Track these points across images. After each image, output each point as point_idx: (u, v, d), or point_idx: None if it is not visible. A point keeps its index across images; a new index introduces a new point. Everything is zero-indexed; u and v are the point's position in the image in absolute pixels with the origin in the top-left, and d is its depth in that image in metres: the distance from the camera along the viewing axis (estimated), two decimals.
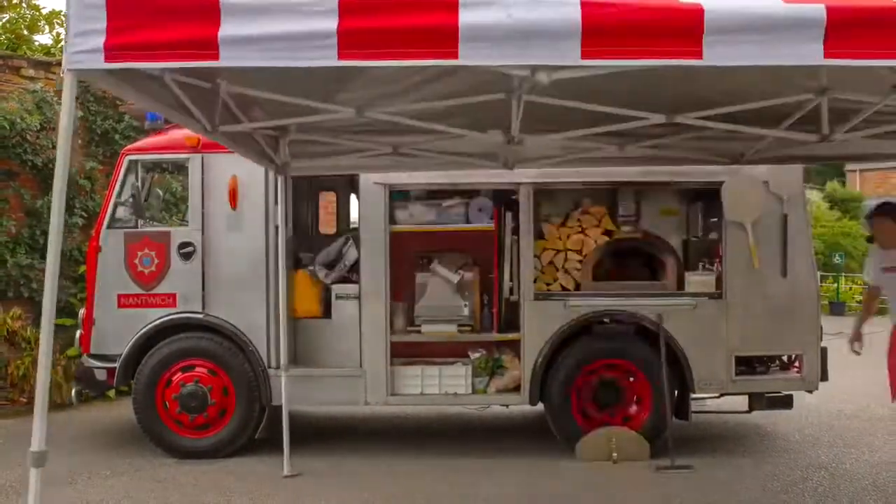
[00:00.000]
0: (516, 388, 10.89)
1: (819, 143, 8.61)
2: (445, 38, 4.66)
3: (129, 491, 9.40)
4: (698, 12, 4.64)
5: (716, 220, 10.94)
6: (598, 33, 4.65)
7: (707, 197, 11.13)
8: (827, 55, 4.68)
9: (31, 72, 15.90)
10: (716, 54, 4.67)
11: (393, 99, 7.99)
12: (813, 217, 36.11)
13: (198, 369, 10.89)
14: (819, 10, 4.63)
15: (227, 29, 4.73)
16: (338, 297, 11.28)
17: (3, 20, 20.17)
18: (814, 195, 44.67)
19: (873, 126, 8.45)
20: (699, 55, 4.68)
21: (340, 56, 4.73)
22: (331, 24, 4.66)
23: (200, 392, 10.72)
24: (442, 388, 10.92)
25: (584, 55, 4.67)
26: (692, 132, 9.02)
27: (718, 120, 8.26)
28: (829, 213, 45.50)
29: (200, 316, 11.02)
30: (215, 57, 4.80)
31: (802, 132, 8.45)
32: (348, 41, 4.69)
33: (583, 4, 4.63)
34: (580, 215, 11.21)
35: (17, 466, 10.22)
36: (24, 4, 20.25)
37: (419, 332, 11.10)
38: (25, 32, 19.89)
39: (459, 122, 8.64)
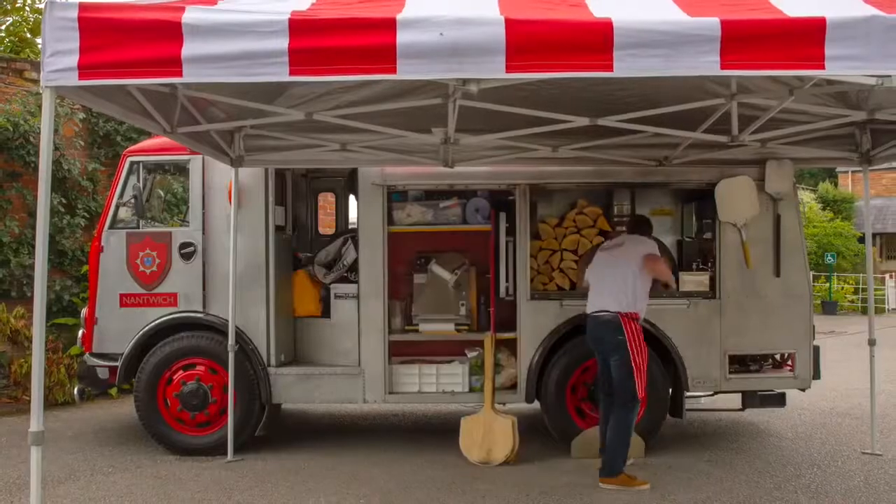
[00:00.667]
0: (512, 387, 10.89)
1: (737, 147, 9.63)
2: (385, 56, 5.15)
3: (131, 487, 9.39)
4: (609, 30, 5.09)
5: (709, 220, 10.93)
6: (520, 49, 5.13)
7: (701, 198, 11.17)
8: (723, 66, 5.16)
9: (35, 74, 15.87)
10: (625, 67, 5.16)
11: (337, 95, 8.91)
12: (805, 218, 36.19)
13: (198, 368, 10.86)
14: (714, 25, 5.09)
15: (189, 48, 5.22)
16: (337, 297, 11.29)
17: (7, 23, 20.21)
18: (806, 196, 44.75)
19: (780, 128, 9.33)
20: (610, 68, 5.16)
21: (291, 72, 5.24)
22: (282, 43, 5.15)
23: (201, 390, 10.72)
24: (439, 386, 10.91)
25: (509, 69, 5.17)
26: (619, 135, 9.58)
27: (640, 123, 8.89)
28: (821, 214, 45.55)
29: (201, 315, 11.01)
30: (179, 74, 5.29)
31: (718, 135, 9.12)
32: (298, 58, 5.19)
33: (507, 23, 5.09)
34: (576, 216, 11.20)
35: (22, 464, 10.24)
36: (27, 8, 20.29)
37: (417, 331, 11.11)
38: (28, 36, 19.92)
39: (401, 122, 9.19)
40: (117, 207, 11.26)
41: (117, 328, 11.04)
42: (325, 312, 11.48)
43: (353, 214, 12.89)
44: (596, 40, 5.10)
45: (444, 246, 11.37)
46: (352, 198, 12.80)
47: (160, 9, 5.32)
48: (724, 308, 10.64)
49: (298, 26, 5.16)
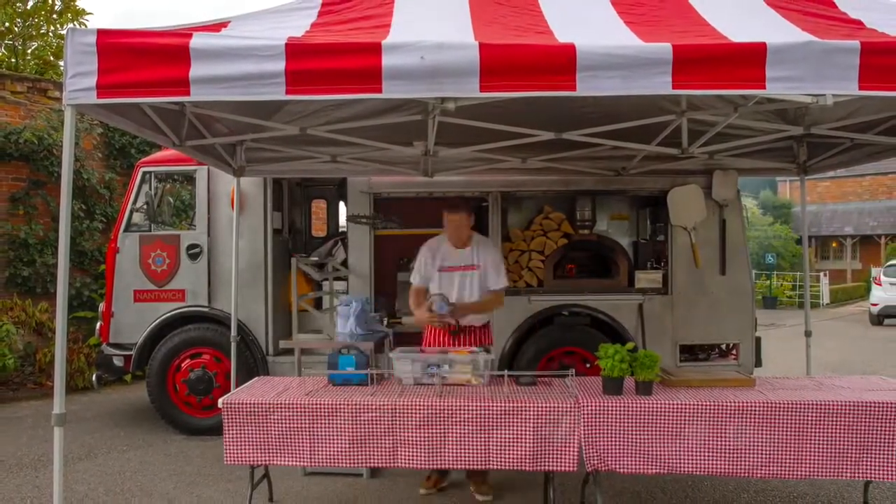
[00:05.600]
0: None
1: (687, 159, 9.56)
2: (372, 77, 5.15)
3: (144, 463, 9.38)
4: (572, 54, 5.10)
5: (662, 224, 10.95)
6: (493, 71, 5.13)
7: (655, 204, 11.18)
8: (675, 86, 5.16)
9: (57, 94, 15.85)
10: (586, 86, 5.15)
11: (328, 112, 8.96)
12: (748, 222, 36.32)
13: (204, 356, 10.90)
14: (666, 49, 5.11)
15: (196, 70, 5.23)
16: (328, 293, 11.26)
17: (32, 48, 20.16)
18: (749, 202, 44.92)
19: (725, 141, 9.34)
20: (573, 87, 5.15)
21: (288, 91, 5.24)
22: (279, 65, 5.17)
23: (206, 377, 10.73)
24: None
25: (483, 89, 5.16)
26: (582, 148, 9.53)
27: (600, 137, 8.87)
28: (762, 219, 45.85)
29: (206, 309, 11.05)
30: (187, 93, 5.29)
31: (670, 148, 9.11)
32: (294, 79, 5.20)
33: (481, 48, 5.11)
34: (542, 220, 11.21)
35: (45, 442, 10.22)
36: (50, 34, 20.24)
37: (400, 323, 11.07)
38: (52, 58, 19.87)
39: (385, 136, 9.13)
40: (131, 212, 11.29)
41: (131, 321, 11.08)
42: (318, 307, 11.48)
43: (342, 219, 12.89)
44: (560, 63, 5.08)
45: None
46: (341, 204, 12.80)
47: (170, 35, 5.32)
48: (675, 303, 10.67)
49: (294, 50, 5.15)
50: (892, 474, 6.18)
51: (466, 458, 6.31)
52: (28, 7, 19.35)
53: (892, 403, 6.18)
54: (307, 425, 6.41)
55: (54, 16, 19.82)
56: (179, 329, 11.04)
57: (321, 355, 10.72)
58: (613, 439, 6.25)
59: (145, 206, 11.20)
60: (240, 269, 10.39)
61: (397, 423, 6.34)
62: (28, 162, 15.24)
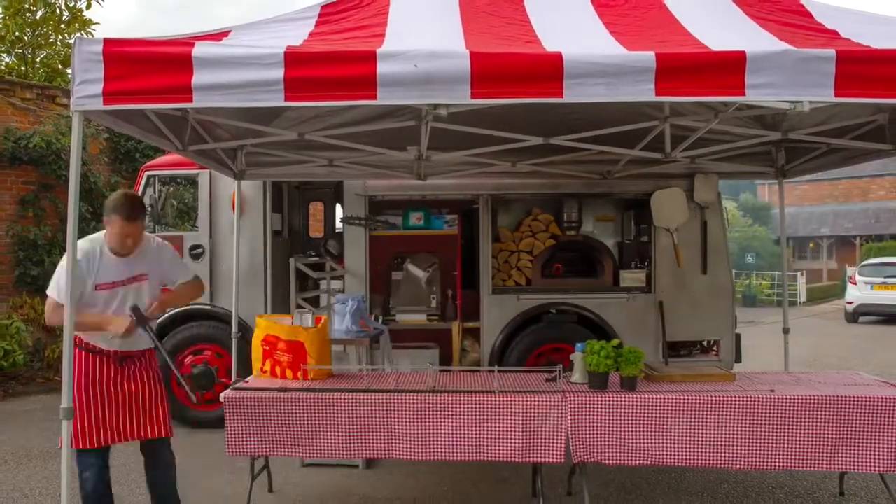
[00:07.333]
0: None
1: (669, 163, 9.69)
2: (367, 84, 5.13)
3: None
4: (559, 62, 5.09)
5: (646, 225, 10.95)
6: (483, 79, 5.11)
7: (638, 206, 11.18)
8: (658, 93, 5.15)
9: (65, 100, 15.88)
10: (573, 93, 5.14)
11: (325, 118, 8.91)
12: (728, 223, 36.42)
13: (206, 352, 10.97)
14: (650, 58, 5.10)
15: (198, 78, 5.20)
16: (325, 291, 11.27)
17: (41, 56, 20.12)
18: (729, 204, 45.00)
19: (706, 146, 9.42)
20: (560, 94, 5.14)
21: (286, 98, 5.20)
22: (278, 73, 5.15)
23: (209, 372, 10.72)
24: (413, 367, 10.86)
25: (474, 96, 5.14)
26: (569, 153, 9.60)
27: (586, 142, 8.90)
28: (742, 220, 45.96)
29: (209, 307, 11.08)
30: (189, 100, 5.25)
31: (653, 152, 9.21)
32: (292, 86, 5.17)
33: (472, 56, 5.10)
34: (531, 221, 11.23)
35: (54, 435, 10.19)
36: (58, 43, 20.20)
37: (395, 320, 11.07)
38: (60, 67, 19.83)
39: (380, 141, 9.13)
40: None
41: None
42: (316, 305, 11.47)
43: (339, 221, 12.90)
44: (548, 71, 5.08)
45: (417, 248, 11.36)
46: (338, 206, 12.80)
47: (174, 44, 5.30)
48: (659, 301, 10.67)
49: (293, 59, 5.13)
50: (866, 465, 6.22)
51: (458, 451, 6.33)
52: (37, 17, 19.29)
53: (866, 398, 6.21)
54: (305, 418, 6.45)
55: (62, 25, 19.77)
56: (183, 326, 11.07)
57: None
58: (599, 432, 6.28)
59: (149, 209, 11.13)
60: (241, 268, 10.39)
61: (392, 416, 6.37)
62: (37, 166, 15.23)
